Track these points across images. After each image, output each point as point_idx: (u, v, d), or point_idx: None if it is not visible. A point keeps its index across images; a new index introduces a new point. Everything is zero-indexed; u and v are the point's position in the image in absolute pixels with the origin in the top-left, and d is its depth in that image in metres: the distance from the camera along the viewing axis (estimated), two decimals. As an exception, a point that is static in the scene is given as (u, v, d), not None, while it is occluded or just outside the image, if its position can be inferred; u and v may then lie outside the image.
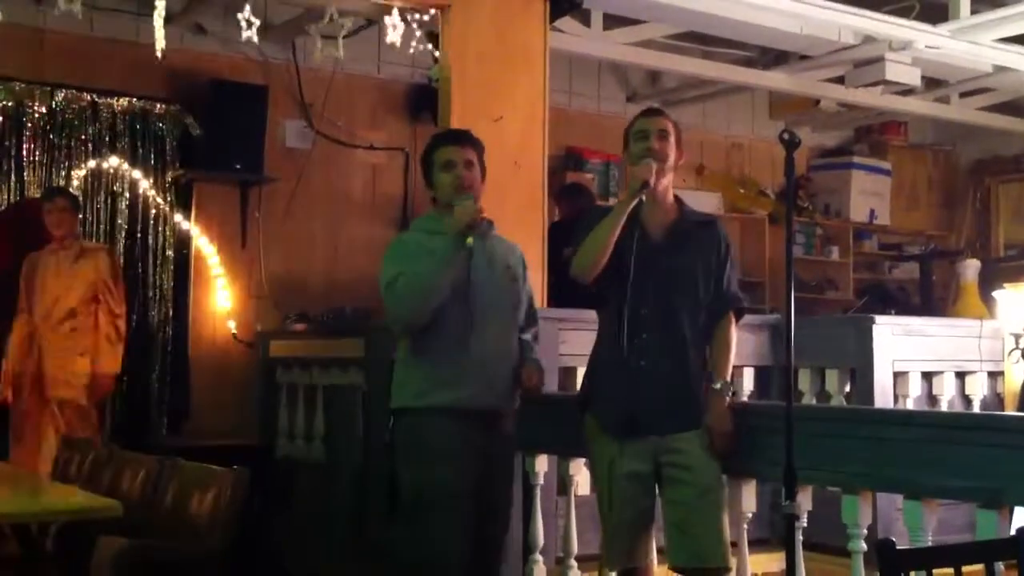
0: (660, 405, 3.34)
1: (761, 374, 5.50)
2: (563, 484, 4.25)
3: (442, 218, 3.61)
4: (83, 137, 6.40)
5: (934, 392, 5.49)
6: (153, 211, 6.61)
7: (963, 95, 8.47)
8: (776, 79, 7.82)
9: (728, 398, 3.40)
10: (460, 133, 3.87)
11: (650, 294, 3.36)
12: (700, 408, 3.38)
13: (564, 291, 5.83)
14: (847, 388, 5.32)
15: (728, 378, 3.44)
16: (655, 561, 3.50)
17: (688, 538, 3.32)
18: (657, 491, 3.42)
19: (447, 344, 3.55)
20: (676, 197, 3.57)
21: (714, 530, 3.32)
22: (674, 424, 3.35)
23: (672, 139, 3.48)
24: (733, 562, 3.46)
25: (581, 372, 4.87)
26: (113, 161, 6.48)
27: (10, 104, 6.20)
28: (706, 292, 3.43)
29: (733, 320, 3.50)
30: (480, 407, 3.57)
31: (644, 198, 3.37)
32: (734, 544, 3.55)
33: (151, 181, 6.57)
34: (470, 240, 3.48)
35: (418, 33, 5.61)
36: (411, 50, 5.68)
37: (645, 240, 3.40)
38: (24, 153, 6.25)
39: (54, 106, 6.32)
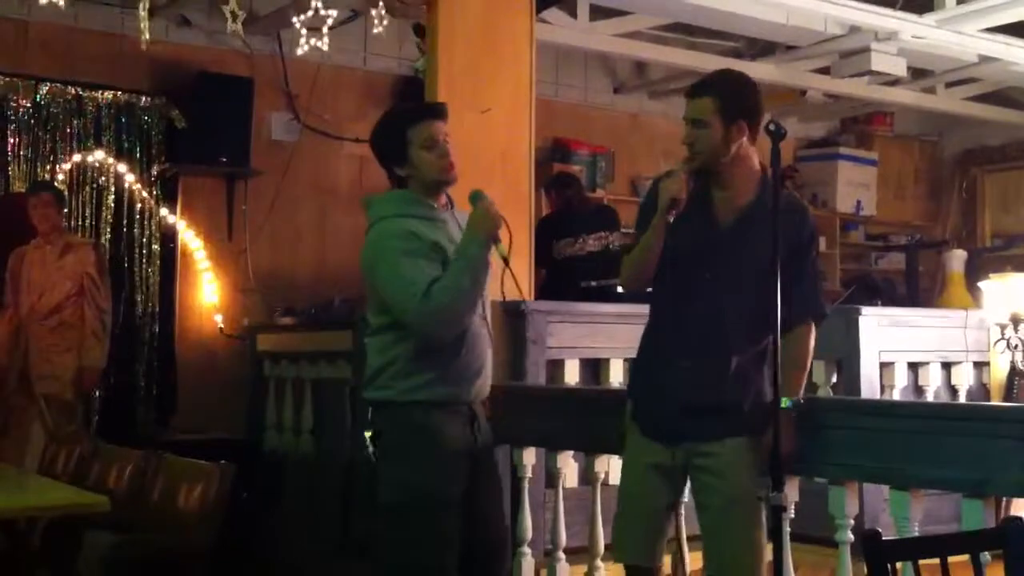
0: (698, 410, 3.08)
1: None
2: (551, 477, 4.25)
3: (424, 201, 3.33)
4: (68, 130, 6.37)
5: (920, 383, 5.49)
6: (138, 205, 6.58)
7: (949, 85, 8.48)
8: (762, 70, 7.80)
9: (794, 416, 3.07)
10: (441, 106, 3.48)
11: (705, 289, 3.07)
12: (741, 416, 3.12)
13: (554, 284, 5.84)
14: (833, 379, 5.31)
15: (800, 395, 3.14)
16: (663, 568, 3.35)
17: (716, 548, 3.15)
18: (687, 494, 3.25)
19: None
20: (763, 170, 3.16)
21: (742, 543, 3.12)
22: (711, 430, 3.10)
23: (717, 121, 3.06)
24: None
25: (569, 365, 4.90)
26: (98, 154, 6.44)
27: (-6, 97, 6.18)
28: (773, 292, 2.94)
29: (813, 330, 3.19)
30: (476, 398, 3.34)
31: (673, 209, 3.05)
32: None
33: (136, 174, 6.54)
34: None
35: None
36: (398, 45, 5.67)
37: (711, 227, 3.09)
38: (8, 147, 6.22)
39: (38, 99, 6.28)
